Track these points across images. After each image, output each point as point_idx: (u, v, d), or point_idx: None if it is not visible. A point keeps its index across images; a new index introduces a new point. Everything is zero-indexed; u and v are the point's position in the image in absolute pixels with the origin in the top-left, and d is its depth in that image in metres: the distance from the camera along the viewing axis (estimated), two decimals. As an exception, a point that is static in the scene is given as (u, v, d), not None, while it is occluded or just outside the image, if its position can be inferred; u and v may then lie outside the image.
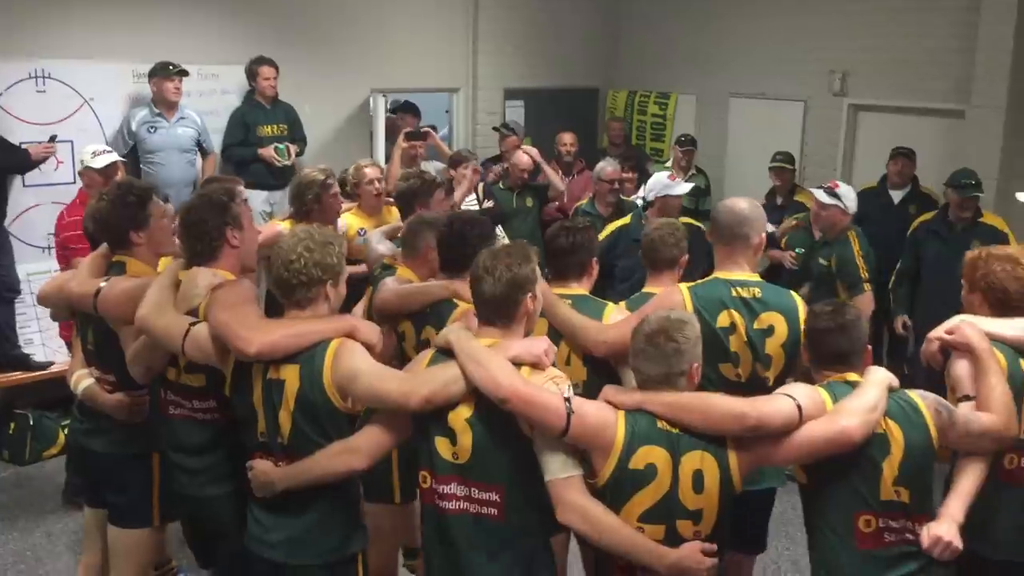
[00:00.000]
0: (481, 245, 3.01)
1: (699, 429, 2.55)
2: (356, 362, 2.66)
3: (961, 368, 2.91)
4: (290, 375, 2.69)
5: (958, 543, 2.62)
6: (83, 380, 3.44)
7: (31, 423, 5.74)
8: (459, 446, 2.59)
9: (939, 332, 3.01)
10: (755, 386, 3.12)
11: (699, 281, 3.31)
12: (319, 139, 7.40)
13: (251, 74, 6.86)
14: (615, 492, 2.55)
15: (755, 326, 3.21)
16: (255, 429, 2.78)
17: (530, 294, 2.66)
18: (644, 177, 7.06)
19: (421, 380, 2.59)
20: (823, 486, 2.72)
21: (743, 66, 8.14)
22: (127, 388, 3.31)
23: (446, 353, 2.65)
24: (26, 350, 5.80)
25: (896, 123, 7.08)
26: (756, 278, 3.31)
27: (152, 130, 6.26)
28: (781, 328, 3.22)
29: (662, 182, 5.42)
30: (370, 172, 5.29)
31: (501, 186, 7.02)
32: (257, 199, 6.58)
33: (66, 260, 4.80)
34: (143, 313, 2.94)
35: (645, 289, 3.68)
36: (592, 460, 2.56)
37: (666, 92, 8.93)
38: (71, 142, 6.12)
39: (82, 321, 3.49)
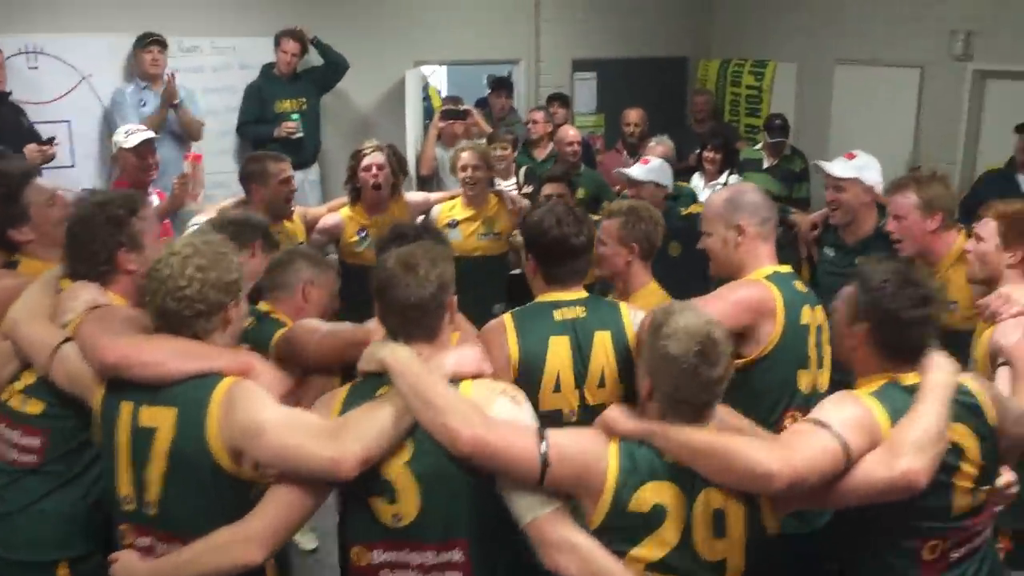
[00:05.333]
0: None
1: (714, 481, 2.04)
2: (258, 411, 2.05)
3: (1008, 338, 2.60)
4: (164, 421, 2.09)
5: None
6: None
7: None
8: (401, 503, 2.05)
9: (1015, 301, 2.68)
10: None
11: (770, 272, 2.73)
12: (355, 117, 6.84)
13: (276, 45, 6.37)
14: (610, 542, 2.04)
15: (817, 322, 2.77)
16: (117, 491, 2.16)
17: (454, 295, 2.21)
18: (733, 157, 6.12)
19: (349, 433, 2.00)
20: (871, 517, 2.18)
21: (851, 29, 7.14)
22: None
23: (374, 376, 2.13)
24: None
25: (1032, 92, 5.94)
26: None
27: (142, 104, 5.80)
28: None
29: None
30: (369, 158, 4.47)
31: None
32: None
33: None
34: (12, 315, 2.47)
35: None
36: (581, 502, 2.08)
37: (763, 60, 7.88)
38: (68, 122, 5.78)
39: None
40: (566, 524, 2.04)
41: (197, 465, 2.06)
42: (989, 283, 2.86)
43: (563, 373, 2.57)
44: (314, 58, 6.50)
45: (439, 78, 9.92)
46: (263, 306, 2.89)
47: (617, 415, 2.12)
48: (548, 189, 4.63)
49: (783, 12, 7.69)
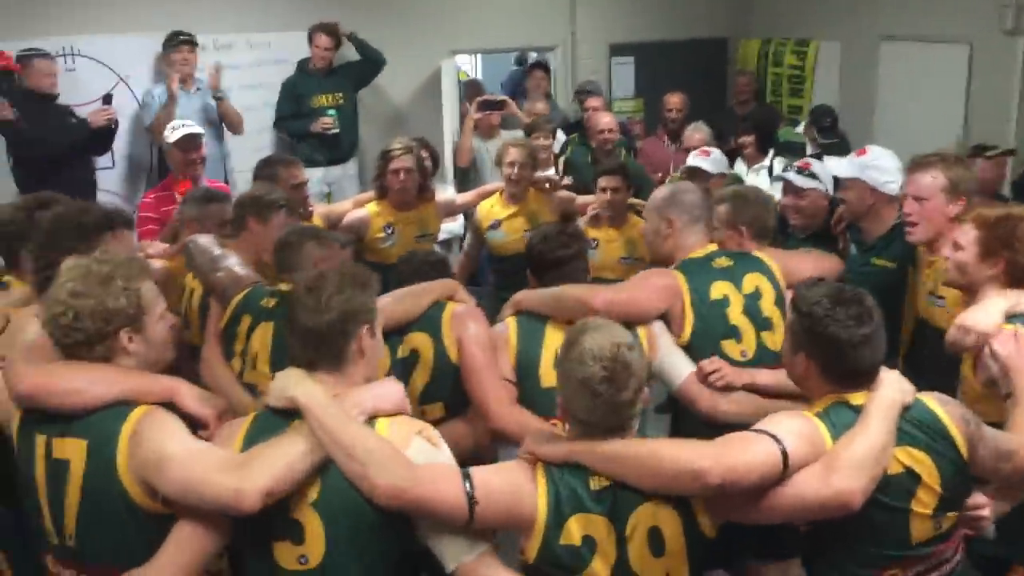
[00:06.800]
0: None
1: (647, 489, 2.02)
2: (164, 443, 1.96)
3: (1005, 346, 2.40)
4: (75, 453, 2.02)
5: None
6: None
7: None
8: (309, 543, 1.96)
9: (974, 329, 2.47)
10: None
11: (684, 260, 3.01)
12: (391, 110, 6.79)
13: (310, 40, 6.32)
14: None
15: (744, 291, 2.89)
16: (42, 523, 2.10)
17: (367, 326, 2.11)
18: (769, 141, 5.96)
19: (255, 465, 1.90)
20: (832, 540, 2.14)
21: (895, 4, 6.88)
22: None
23: (279, 413, 2.04)
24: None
25: (1089, 66, 5.67)
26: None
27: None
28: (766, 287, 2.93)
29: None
30: (397, 161, 4.34)
31: (589, 159, 6.02)
32: (312, 179, 5.95)
33: None
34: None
35: None
36: (518, 536, 2.07)
37: (805, 39, 7.67)
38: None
39: None
40: (494, 568, 2.00)
41: (110, 499, 1.99)
42: (968, 291, 2.63)
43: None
44: (351, 52, 6.45)
45: (474, 66, 9.86)
46: (283, 286, 2.84)
47: (535, 441, 2.11)
48: (604, 182, 4.53)
49: (824, -11, 7.50)
